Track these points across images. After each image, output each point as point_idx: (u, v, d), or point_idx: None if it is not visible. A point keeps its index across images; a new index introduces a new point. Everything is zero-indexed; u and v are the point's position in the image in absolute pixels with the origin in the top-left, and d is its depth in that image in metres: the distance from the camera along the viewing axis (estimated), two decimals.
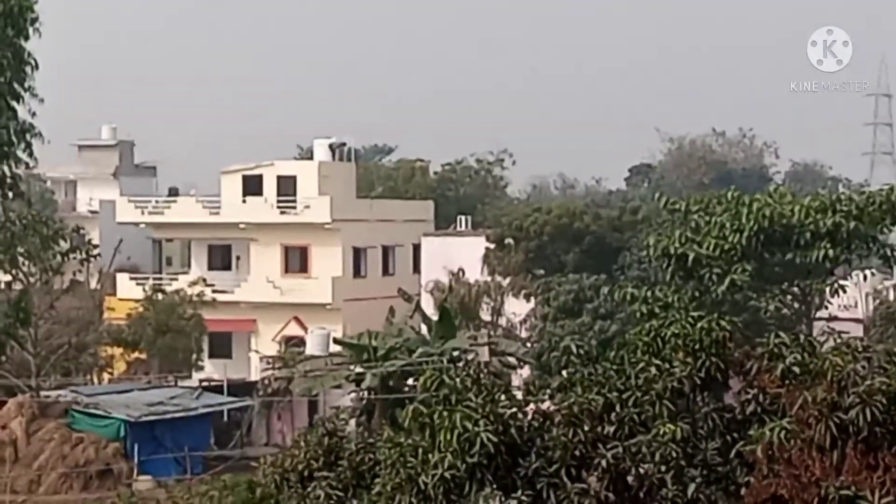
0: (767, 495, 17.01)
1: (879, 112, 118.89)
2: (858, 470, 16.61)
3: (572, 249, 59.24)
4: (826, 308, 43.90)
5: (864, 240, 41.47)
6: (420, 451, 18.37)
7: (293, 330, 66.39)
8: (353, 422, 40.84)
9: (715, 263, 40.33)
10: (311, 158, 74.77)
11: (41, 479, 48.26)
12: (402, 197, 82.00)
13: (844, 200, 41.64)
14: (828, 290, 41.68)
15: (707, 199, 43.32)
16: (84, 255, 54.45)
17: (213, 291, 64.25)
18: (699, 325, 18.61)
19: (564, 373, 19.35)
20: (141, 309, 60.90)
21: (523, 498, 17.24)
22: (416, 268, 69.26)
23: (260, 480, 22.19)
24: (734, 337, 18.79)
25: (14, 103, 49.79)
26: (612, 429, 18.11)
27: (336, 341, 52.26)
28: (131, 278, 69.49)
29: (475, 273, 61.74)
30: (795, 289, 42.72)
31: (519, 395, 19.40)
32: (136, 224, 72.59)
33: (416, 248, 69.94)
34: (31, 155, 50.89)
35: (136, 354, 61.19)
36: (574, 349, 19.60)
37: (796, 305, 43.12)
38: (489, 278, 61.16)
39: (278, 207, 69.00)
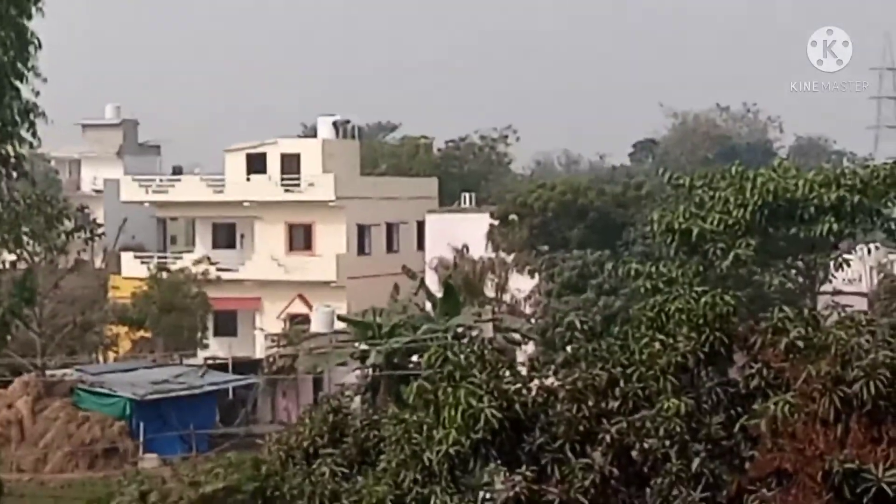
0: (772, 469, 17.03)
1: (884, 86, 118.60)
2: (863, 443, 16.64)
3: (576, 225, 59.21)
4: (830, 282, 43.85)
5: (869, 214, 41.38)
6: (425, 427, 18.41)
7: (298, 308, 66.42)
8: (357, 399, 40.76)
9: (719, 238, 40.28)
10: (314, 136, 74.68)
11: (47, 458, 48.40)
12: (406, 174, 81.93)
13: (849, 174, 41.54)
14: (832, 264, 41.62)
15: (711, 174, 43.24)
16: (88, 235, 54.47)
17: (218, 270, 64.29)
18: (703, 300, 18.62)
19: (569, 348, 19.37)
20: (146, 288, 60.95)
21: (527, 473, 17.28)
22: (421, 245, 69.26)
23: (265, 458, 22.27)
24: (738, 311, 18.80)
25: (17, 83, 49.72)
26: (616, 404, 18.14)
27: (340, 318, 52.29)
28: (136, 257, 69.51)
29: (479, 250, 61.74)
30: (800, 263, 42.67)
31: (523, 371, 19.43)
32: (141, 203, 72.60)
33: (421, 226, 69.92)
34: (34, 135, 50.74)
35: (141, 333, 61.28)
36: (578, 325, 19.60)
37: (800, 280, 43.06)
38: (493, 255, 61.16)
39: (282, 185, 68.95)
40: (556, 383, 18.68)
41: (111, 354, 61.28)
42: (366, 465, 20.12)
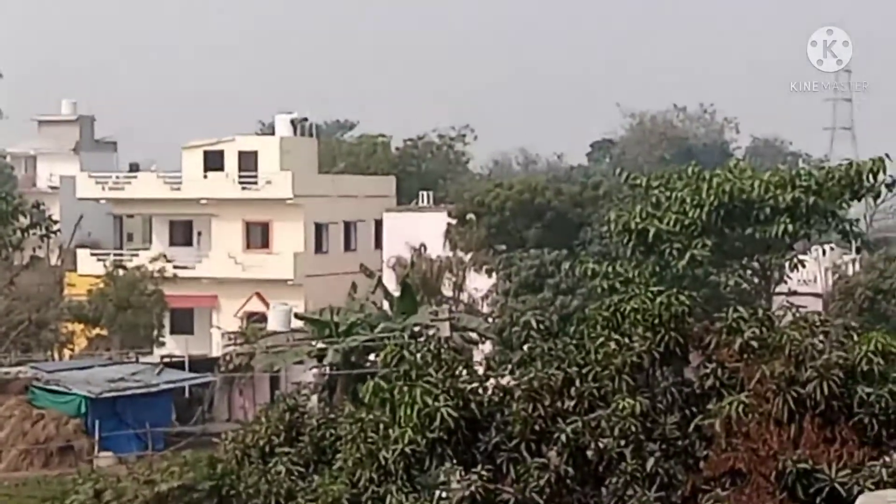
0: (726, 469, 17.13)
1: (839, 87, 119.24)
2: (816, 443, 16.75)
3: (534, 225, 59.31)
4: (785, 283, 44.15)
5: (824, 215, 41.69)
6: (381, 426, 18.42)
7: (255, 306, 66.26)
8: (314, 397, 40.73)
9: (675, 238, 40.49)
10: (272, 134, 74.52)
11: (1, 456, 48.08)
12: (364, 172, 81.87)
13: (804, 176, 41.83)
14: (787, 264, 41.94)
15: (668, 175, 43.47)
16: (44, 231, 54.29)
17: (175, 267, 64.10)
18: (659, 299, 18.67)
19: (525, 348, 19.40)
20: (102, 285, 60.68)
21: (483, 472, 17.30)
22: (378, 243, 69.21)
23: (221, 456, 22.24)
24: (693, 311, 18.87)
25: None
26: (571, 403, 18.18)
27: (298, 317, 52.21)
28: (92, 254, 69.18)
29: (437, 249, 61.77)
30: (755, 263, 42.94)
31: (480, 370, 19.45)
32: (97, 200, 72.27)
33: (378, 224, 69.88)
34: None
35: (97, 331, 60.99)
36: (535, 324, 19.64)
37: (756, 280, 43.33)
38: (451, 254, 61.20)
39: (240, 183, 68.78)
40: (513, 382, 18.72)
41: (67, 352, 60.94)
42: (322, 463, 20.13)
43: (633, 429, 17.57)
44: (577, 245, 57.17)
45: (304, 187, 68.29)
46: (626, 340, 18.55)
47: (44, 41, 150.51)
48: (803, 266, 43.32)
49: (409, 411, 17.85)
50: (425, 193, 73.62)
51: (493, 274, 56.90)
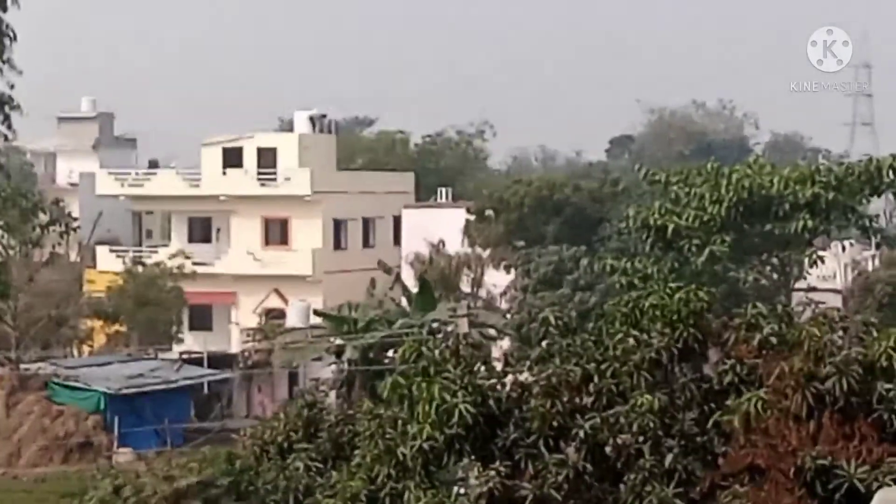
0: (744, 465, 17.08)
1: (860, 83, 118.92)
2: (835, 440, 16.70)
3: (552, 221, 59.28)
4: (805, 279, 44.05)
5: (843, 210, 41.60)
6: (399, 422, 18.42)
7: (274, 302, 66.36)
8: (332, 394, 40.93)
9: (694, 234, 40.43)
10: (291, 130, 74.58)
11: (21, 452, 48.28)
12: (383, 169, 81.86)
13: (824, 171, 41.74)
14: (806, 260, 41.81)
15: (687, 171, 43.38)
16: (64, 228, 54.37)
17: (194, 264, 64.14)
18: (677, 295, 18.63)
19: (543, 344, 19.37)
20: (121, 281, 60.80)
21: (501, 468, 17.29)
22: (397, 240, 69.25)
23: (240, 452, 22.28)
24: (712, 308, 18.83)
25: None
26: (590, 400, 18.16)
27: (316, 313, 52.27)
28: (111, 251, 69.34)
29: (455, 245, 61.77)
30: (774, 259, 42.84)
31: (498, 366, 19.44)
32: (116, 196, 72.40)
33: (397, 220, 69.91)
34: (9, 127, 50.67)
35: (115, 327, 61.12)
36: (553, 320, 19.61)
37: (775, 276, 43.23)
38: (469, 250, 61.19)
39: (259, 179, 68.86)
40: (531, 379, 18.69)
41: (86, 348, 61.12)
42: (340, 459, 20.13)
43: (652, 425, 17.54)
44: (595, 241, 57.11)
45: (323, 184, 68.34)
46: (645, 337, 18.51)
47: (63, 38, 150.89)
48: (822, 262, 43.19)
49: (427, 407, 17.85)
50: (444, 190, 73.63)
51: (512, 270, 56.90)
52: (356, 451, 19.46)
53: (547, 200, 59.94)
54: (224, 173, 69.59)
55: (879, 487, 15.55)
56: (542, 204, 59.88)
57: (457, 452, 17.91)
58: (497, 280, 58.90)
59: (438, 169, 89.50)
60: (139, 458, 42.79)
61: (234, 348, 61.60)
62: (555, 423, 17.87)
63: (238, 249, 68.12)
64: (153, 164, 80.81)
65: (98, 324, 60.89)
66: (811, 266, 42.34)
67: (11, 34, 47.32)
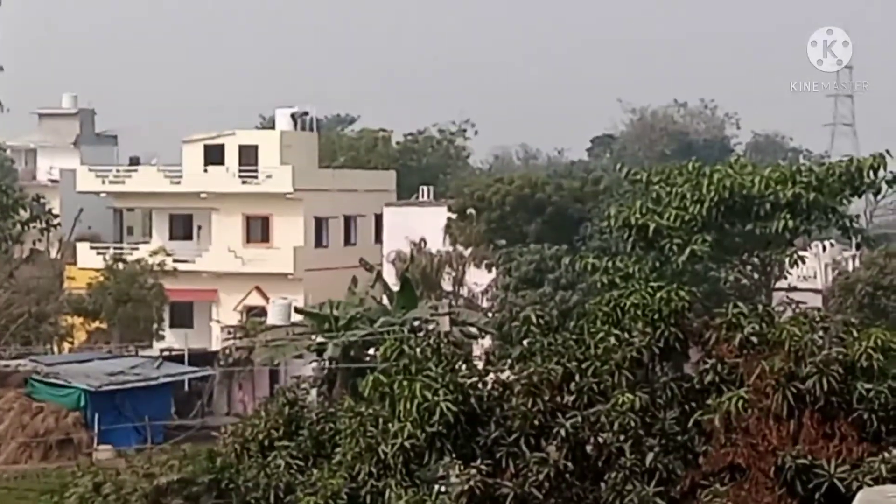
0: (725, 464, 17.12)
1: (840, 83, 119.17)
2: (815, 439, 16.74)
3: (534, 220, 59.30)
4: (786, 278, 44.14)
5: (824, 211, 41.69)
6: (380, 420, 18.42)
7: (255, 300, 66.29)
8: (314, 391, 40.72)
9: (675, 234, 40.48)
10: (272, 128, 74.55)
11: (0, 449, 48.11)
12: (365, 167, 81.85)
13: (804, 172, 41.85)
14: (787, 260, 41.91)
15: (668, 170, 43.44)
16: (44, 225, 54.29)
17: (175, 261, 64.08)
18: (659, 295, 18.66)
19: (524, 342, 19.39)
20: (102, 278, 60.68)
21: (482, 467, 17.29)
22: (378, 238, 69.21)
23: (220, 450, 22.23)
24: (693, 307, 18.86)
25: None
26: (571, 398, 18.17)
27: (297, 311, 52.22)
28: (92, 247, 69.19)
29: (437, 243, 61.76)
30: (755, 259, 42.94)
31: (479, 364, 19.44)
32: (97, 193, 72.25)
33: (378, 219, 69.87)
34: None
35: (96, 324, 61.02)
36: (534, 319, 19.63)
37: (756, 276, 43.34)
38: (451, 248, 61.19)
39: (240, 177, 68.78)
40: (512, 377, 18.70)
41: (66, 345, 60.98)
42: (321, 457, 20.12)
43: (633, 424, 17.57)
44: (577, 240, 57.16)
45: (305, 181, 68.28)
46: (626, 336, 18.54)
47: (45, 35, 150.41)
48: (803, 262, 43.32)
49: (408, 405, 17.84)
50: (425, 188, 73.62)
51: (493, 269, 56.91)
52: (337, 449, 19.45)
53: (528, 199, 59.96)
54: (205, 170, 69.48)
55: (860, 487, 15.58)
56: (524, 203, 59.90)
57: (438, 451, 17.91)
58: (478, 278, 58.92)
59: (420, 167, 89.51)
60: (119, 455, 42.72)
61: (215, 346, 61.49)
62: (536, 422, 17.89)
63: (219, 247, 68.02)
64: (134, 161, 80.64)
65: (78, 321, 60.78)
66: (792, 266, 42.44)
67: None
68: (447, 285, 59.50)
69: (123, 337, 60.24)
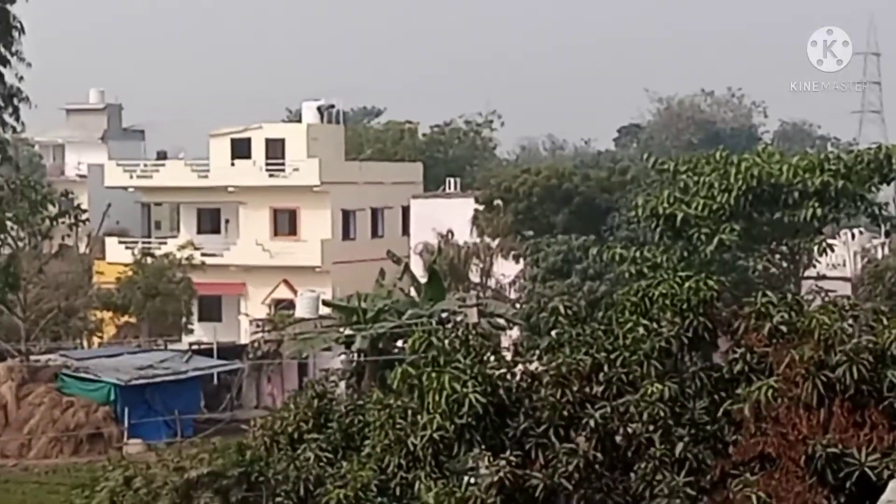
0: (755, 453, 17.09)
1: (868, 71, 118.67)
2: (845, 428, 16.69)
3: (561, 210, 59.22)
4: (814, 267, 43.95)
5: (853, 198, 41.49)
6: (409, 412, 18.44)
7: (283, 293, 66.39)
8: (342, 384, 40.91)
9: (703, 223, 40.34)
10: (299, 121, 74.55)
11: (31, 444, 48.34)
12: (391, 159, 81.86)
13: (833, 159, 41.65)
14: (816, 248, 41.70)
15: (695, 159, 43.29)
16: (73, 220, 54.38)
17: (203, 255, 64.21)
18: (687, 284, 18.64)
19: (553, 333, 19.39)
20: (130, 273, 60.86)
21: (512, 458, 17.30)
22: (406, 230, 69.23)
23: (250, 443, 22.29)
24: (722, 296, 18.83)
25: (1, 68, 49.72)
26: (600, 389, 18.17)
27: (325, 304, 52.28)
28: (120, 242, 69.40)
29: (464, 235, 61.74)
30: (784, 248, 42.76)
31: (507, 356, 19.45)
32: (125, 188, 72.44)
33: (406, 211, 69.89)
34: (18, 119, 50.83)
35: (125, 318, 61.20)
36: (562, 310, 19.63)
37: (784, 265, 43.16)
38: (478, 240, 61.15)
39: (267, 170, 68.85)
40: (541, 368, 18.70)
41: (95, 340, 61.19)
42: (350, 450, 20.15)
43: (662, 414, 17.55)
44: (604, 230, 57.06)
45: (332, 174, 68.32)
46: (655, 325, 18.52)
47: (72, 31, 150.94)
48: (832, 250, 43.11)
49: (437, 397, 17.86)
50: (452, 180, 73.60)
51: (521, 260, 56.85)
52: (366, 442, 19.48)
53: (555, 190, 59.88)
54: (232, 164, 69.60)
55: (891, 476, 15.54)
56: (551, 193, 59.82)
57: (467, 442, 17.92)
58: (506, 270, 58.88)
59: (447, 159, 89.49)
60: (149, 449, 42.91)
61: (244, 339, 61.63)
62: (565, 413, 17.88)
63: (247, 240, 68.14)
64: (161, 156, 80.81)
65: (108, 315, 60.97)
66: (821, 254, 42.23)
67: (20, 27, 47.39)
68: (475, 277, 59.49)
69: (152, 331, 60.42)
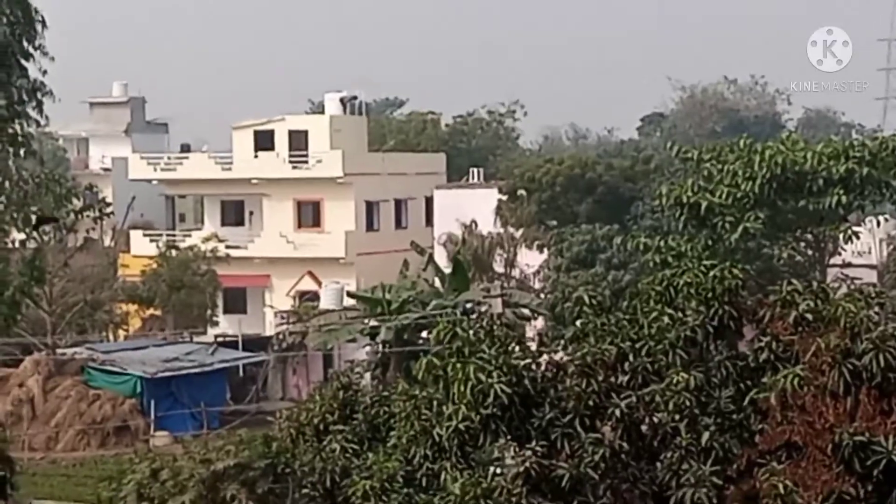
0: (781, 442, 17.07)
1: (892, 57, 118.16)
2: (872, 416, 16.66)
3: (585, 200, 59.11)
4: (839, 254, 43.85)
5: (878, 186, 41.37)
6: (434, 403, 18.46)
7: (307, 284, 66.47)
8: (367, 375, 40.92)
9: (727, 212, 40.28)
10: (322, 112, 74.59)
11: (58, 437, 48.54)
12: (414, 150, 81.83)
13: (857, 146, 41.52)
14: (841, 236, 41.60)
15: (719, 148, 43.22)
16: (97, 213, 54.46)
17: (227, 247, 64.30)
18: (712, 273, 18.61)
19: (578, 323, 19.38)
20: (155, 265, 61.01)
21: (537, 448, 17.31)
22: (429, 221, 69.22)
23: (276, 434, 22.32)
24: (747, 285, 18.80)
25: (24, 62, 49.75)
26: (625, 378, 18.16)
27: (350, 295, 52.35)
28: (145, 235, 69.58)
29: (488, 225, 61.69)
30: (808, 236, 42.67)
31: (532, 346, 19.45)
32: (149, 181, 72.60)
33: (429, 201, 69.87)
34: (42, 113, 50.75)
35: (150, 311, 61.37)
36: (587, 299, 19.61)
37: (809, 252, 43.06)
38: (502, 230, 61.10)
39: (290, 162, 68.92)
40: (566, 358, 18.70)
41: (121, 333, 61.38)
42: (376, 441, 20.17)
43: (688, 403, 17.54)
44: (628, 220, 56.95)
45: (355, 165, 68.36)
46: (680, 315, 18.50)
47: (95, 24, 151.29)
48: (857, 237, 42.96)
49: (462, 388, 17.87)
50: (475, 170, 73.55)
51: (545, 250, 56.80)
52: (392, 433, 19.50)
53: (579, 179, 59.77)
54: (256, 156, 69.69)
55: None
56: (575, 183, 59.72)
57: (493, 432, 17.93)
58: (530, 260, 58.83)
59: (470, 149, 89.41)
60: (176, 441, 43.05)
61: (269, 331, 61.74)
62: (590, 403, 17.88)
63: (271, 232, 68.24)
64: (185, 148, 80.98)
65: (133, 308, 61.14)
66: (846, 242, 42.12)
67: (42, 20, 47.38)
68: (499, 267, 59.45)
69: (178, 323, 60.56)
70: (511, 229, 60.86)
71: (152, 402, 49.43)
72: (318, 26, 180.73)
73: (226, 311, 64.93)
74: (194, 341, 58.06)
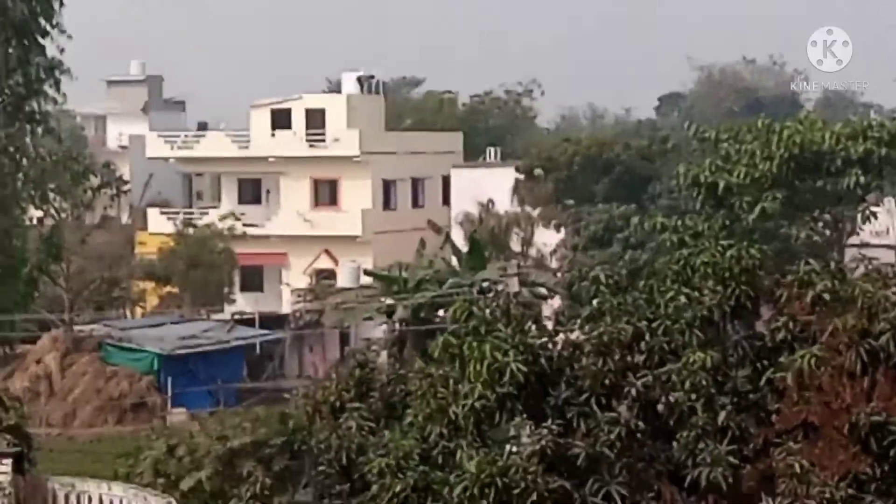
0: (798, 422, 17.07)
1: None
2: (889, 396, 16.66)
3: (602, 179, 59.07)
4: (858, 235, 43.79)
5: None
6: (451, 381, 18.47)
7: (324, 263, 66.54)
8: (384, 353, 41.01)
9: (745, 192, 40.26)
10: (339, 91, 74.56)
11: (76, 413, 48.72)
12: (431, 129, 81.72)
13: (876, 127, 41.46)
14: (859, 216, 41.57)
15: (737, 128, 43.18)
16: (114, 191, 54.76)
17: (244, 225, 64.40)
18: (729, 253, 18.60)
19: (594, 302, 19.37)
20: (172, 243, 61.13)
21: (553, 427, 17.32)
22: (446, 200, 69.18)
23: (292, 412, 22.39)
24: (764, 265, 18.78)
25: (42, 40, 49.90)
26: (641, 358, 18.16)
27: (367, 273, 52.40)
28: (162, 213, 69.67)
29: (505, 204, 61.68)
30: (827, 216, 42.62)
31: (549, 325, 19.45)
32: (166, 159, 72.68)
33: (446, 180, 69.82)
34: (59, 91, 50.97)
35: (167, 288, 61.51)
36: (604, 279, 19.61)
37: (827, 232, 43.01)
38: (519, 209, 61.09)
39: (307, 141, 68.91)
40: (582, 337, 18.70)
41: (138, 310, 61.55)
42: (392, 419, 20.20)
43: (704, 383, 17.54)
44: (645, 199, 56.90)
45: (372, 144, 68.35)
46: (696, 294, 18.49)
47: (113, 2, 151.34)
48: (875, 218, 42.92)
49: (478, 367, 17.89)
50: (492, 149, 73.48)
51: (562, 229, 56.80)
52: (408, 411, 19.52)
53: (596, 159, 59.73)
54: (273, 135, 69.69)
55: None
56: (592, 162, 59.67)
57: (509, 411, 17.95)
58: (547, 239, 58.81)
59: (487, 128, 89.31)
60: (193, 418, 43.10)
61: (286, 309, 61.82)
62: (606, 382, 17.89)
63: (288, 210, 68.30)
64: (202, 127, 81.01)
65: (150, 285, 61.30)
66: (864, 222, 42.08)
67: None
68: (516, 246, 59.43)
69: (195, 301, 60.68)
70: (528, 208, 60.84)
71: (169, 379, 49.56)
72: (336, 5, 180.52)
73: (243, 289, 65.06)
74: (211, 319, 58.17)
